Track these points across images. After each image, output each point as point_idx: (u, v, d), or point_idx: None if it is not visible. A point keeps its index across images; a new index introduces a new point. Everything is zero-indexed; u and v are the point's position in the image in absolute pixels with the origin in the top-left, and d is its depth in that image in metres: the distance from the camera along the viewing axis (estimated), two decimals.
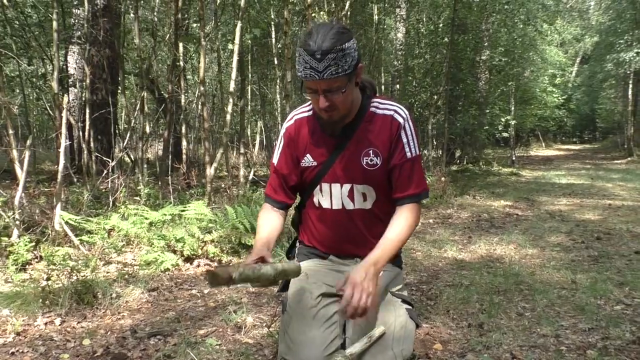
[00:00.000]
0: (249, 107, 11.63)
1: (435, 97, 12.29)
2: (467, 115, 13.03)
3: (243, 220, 4.69)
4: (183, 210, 4.82)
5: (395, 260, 2.45)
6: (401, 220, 2.20)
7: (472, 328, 2.81)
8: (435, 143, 12.95)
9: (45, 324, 2.93)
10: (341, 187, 2.27)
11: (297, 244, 2.60)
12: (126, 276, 3.76)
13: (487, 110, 14.50)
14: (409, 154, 2.22)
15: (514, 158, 16.42)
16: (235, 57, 6.36)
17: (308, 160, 2.33)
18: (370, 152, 2.24)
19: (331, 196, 2.30)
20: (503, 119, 15.41)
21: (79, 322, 2.99)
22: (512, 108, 16.01)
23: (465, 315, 3.01)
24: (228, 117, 6.46)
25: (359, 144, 2.25)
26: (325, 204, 2.33)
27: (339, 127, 2.23)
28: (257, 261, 2.10)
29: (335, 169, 2.27)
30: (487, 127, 14.44)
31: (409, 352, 2.18)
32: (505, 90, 15.59)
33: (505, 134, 16.92)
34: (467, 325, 2.85)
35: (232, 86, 6.48)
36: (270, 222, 2.36)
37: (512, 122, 15.94)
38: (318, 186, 2.32)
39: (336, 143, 2.27)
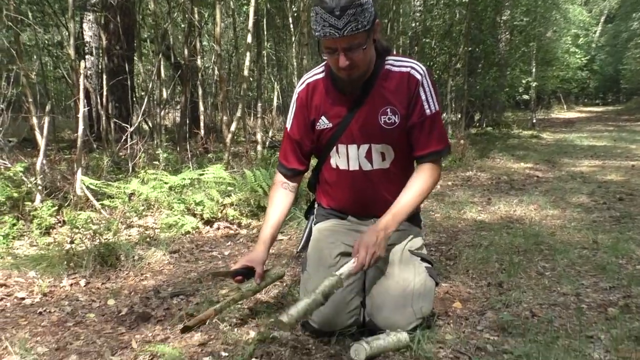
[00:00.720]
0: (265, 72, 11.56)
1: (455, 59, 12.06)
2: (487, 77, 12.80)
3: (262, 183, 4.71)
4: (202, 174, 4.85)
5: (414, 219, 2.45)
6: (418, 182, 2.17)
7: (491, 287, 2.81)
8: (454, 106, 12.79)
9: (71, 285, 3.00)
10: (358, 148, 2.27)
11: (315, 206, 2.61)
12: (148, 239, 3.81)
13: (508, 72, 14.21)
14: (428, 111, 2.18)
15: (534, 121, 16.16)
16: (252, 11, 6.25)
17: (323, 123, 2.31)
18: (388, 110, 2.20)
19: (348, 158, 2.30)
20: (524, 81, 15.12)
21: (103, 283, 3.05)
22: (533, 70, 15.67)
23: (485, 275, 3.01)
24: (246, 72, 6.40)
25: (376, 102, 2.21)
26: (342, 166, 2.33)
27: (358, 86, 2.20)
28: (243, 271, 2.26)
29: (351, 129, 2.25)
30: (507, 90, 14.19)
31: (428, 310, 2.21)
32: (526, 52, 15.24)
33: (525, 97, 16.62)
34: (487, 284, 2.85)
35: (249, 39, 6.40)
36: (278, 204, 2.40)
37: (533, 84, 15.63)
38: (334, 148, 2.32)
39: (351, 103, 2.24)
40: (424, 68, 2.20)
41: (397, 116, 2.20)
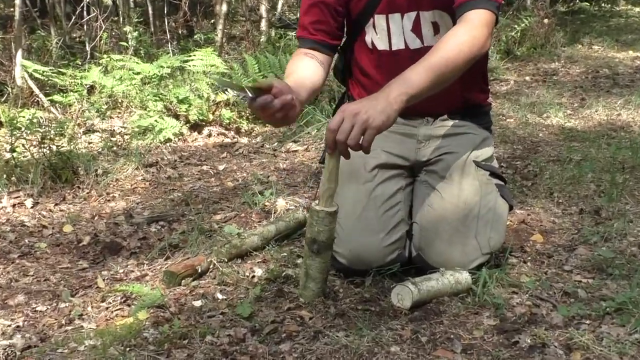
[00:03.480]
0: None
1: None
2: None
3: (268, 73, 4.66)
4: (186, 61, 4.80)
5: (481, 117, 2.42)
6: (457, 34, 2.04)
7: (584, 215, 2.79)
8: None
9: (13, 206, 3.04)
10: (402, 17, 2.22)
11: (346, 101, 2.56)
12: (114, 148, 3.83)
13: None
14: None
15: None
16: None
17: None
18: None
19: (389, 33, 2.26)
20: None
21: (56, 204, 3.09)
22: None
23: (575, 199, 2.99)
24: None
25: None
26: (382, 45, 2.29)
27: None
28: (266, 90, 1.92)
29: None
30: None
31: (499, 243, 2.21)
32: None
33: None
34: (578, 212, 2.83)
35: None
36: (303, 69, 2.24)
37: None
38: (370, 20, 2.27)
39: None
40: None
41: None
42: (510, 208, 2.31)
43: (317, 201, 1.93)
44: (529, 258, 2.37)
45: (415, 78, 1.87)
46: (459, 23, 2.02)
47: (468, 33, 1.98)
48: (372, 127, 1.73)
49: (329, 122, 1.79)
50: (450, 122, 2.33)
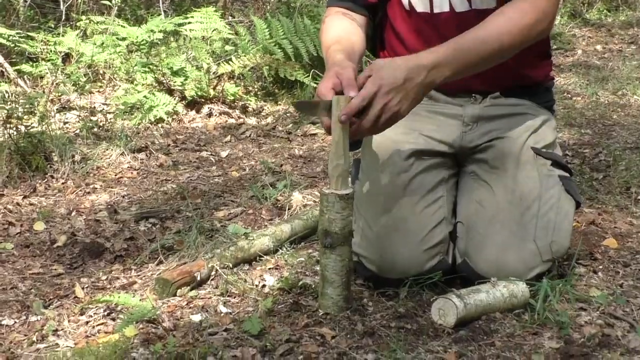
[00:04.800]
0: None
1: None
2: None
3: (282, 40, 4.65)
4: (182, 25, 4.79)
5: (541, 95, 2.41)
6: (517, 4, 2.07)
7: None
8: None
9: None
10: None
11: None
12: (95, 129, 3.83)
13: None
14: None
15: None
16: None
17: None
18: None
19: None
20: None
21: (25, 197, 3.11)
22: None
23: None
24: None
25: None
26: (421, 7, 2.28)
27: None
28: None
29: None
30: None
31: (563, 248, 2.20)
32: None
33: None
34: None
35: None
36: (347, 32, 2.27)
37: None
38: None
39: None
40: None
41: None
42: (577, 205, 2.29)
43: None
44: (601, 267, 2.36)
45: (465, 55, 1.93)
46: None
47: (531, 3, 2.01)
48: (399, 116, 1.86)
49: (353, 101, 1.83)
50: (504, 101, 2.32)
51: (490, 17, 2.02)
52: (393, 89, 1.83)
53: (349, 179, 1.94)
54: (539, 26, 2.04)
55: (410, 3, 2.27)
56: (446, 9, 2.23)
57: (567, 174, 2.27)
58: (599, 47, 6.53)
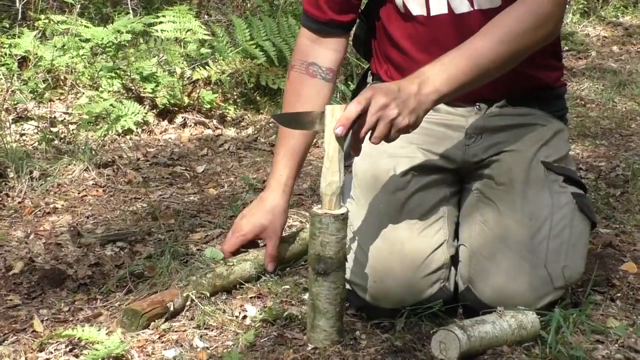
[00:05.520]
0: None
1: None
2: None
3: (263, 42, 4.67)
4: (152, 25, 4.80)
5: (553, 102, 2.43)
6: (513, 11, 2.08)
7: None
8: None
9: None
10: None
11: (369, 80, 2.60)
12: (56, 141, 3.82)
13: None
14: None
15: None
16: None
17: None
18: None
19: None
20: None
21: None
22: None
23: None
24: None
25: None
26: (417, 9, 2.31)
27: None
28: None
29: None
30: None
31: (577, 273, 2.21)
32: None
33: None
34: None
35: None
36: (307, 101, 2.41)
37: None
38: None
39: None
40: None
41: None
42: (593, 226, 2.30)
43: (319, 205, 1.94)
44: (619, 295, 2.37)
45: (459, 67, 1.96)
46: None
47: (531, 6, 2.04)
48: (399, 127, 1.88)
49: (349, 103, 1.87)
50: (511, 110, 2.34)
51: (487, 26, 2.05)
52: (389, 94, 1.87)
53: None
54: (541, 31, 2.05)
55: (405, 5, 2.29)
56: (444, 10, 2.25)
57: (581, 191, 2.28)
58: (615, 48, 6.55)
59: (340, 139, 1.85)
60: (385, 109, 1.84)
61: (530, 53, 2.06)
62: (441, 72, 1.94)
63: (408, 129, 1.90)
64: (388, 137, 1.89)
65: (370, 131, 1.88)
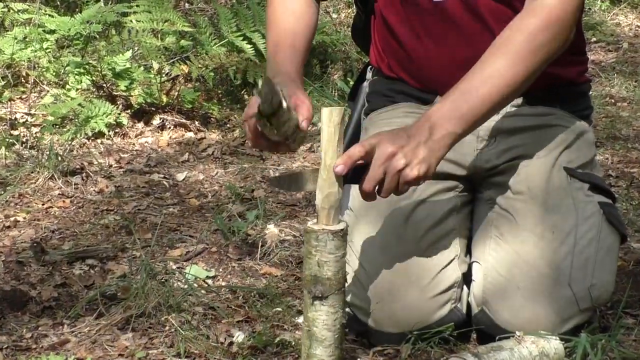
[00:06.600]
0: None
1: None
2: None
3: (252, 33, 4.69)
4: (125, 15, 4.81)
5: (576, 100, 2.44)
6: (523, 25, 2.09)
7: None
8: None
9: None
10: None
11: (368, 75, 2.62)
12: (17, 146, 3.83)
13: None
14: None
15: None
16: None
17: None
18: None
19: None
20: None
21: None
22: None
23: None
24: None
25: None
26: None
27: None
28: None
29: None
30: None
31: (606, 293, 2.21)
32: None
33: None
34: None
35: None
36: (293, 11, 2.37)
37: None
38: None
39: None
40: None
41: None
42: (623, 239, 2.30)
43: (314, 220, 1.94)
44: None
45: (470, 102, 1.98)
46: (526, 12, 2.08)
47: (540, 15, 2.04)
48: (408, 180, 1.87)
49: (352, 149, 1.87)
50: (529, 110, 2.34)
51: (495, 45, 2.05)
52: (396, 142, 1.88)
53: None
54: (555, 43, 2.06)
55: None
56: None
57: (609, 200, 2.27)
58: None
59: (339, 178, 1.85)
60: (391, 159, 1.84)
61: (547, 64, 2.06)
62: (452, 111, 1.95)
63: (418, 180, 1.89)
64: (397, 190, 1.90)
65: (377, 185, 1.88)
